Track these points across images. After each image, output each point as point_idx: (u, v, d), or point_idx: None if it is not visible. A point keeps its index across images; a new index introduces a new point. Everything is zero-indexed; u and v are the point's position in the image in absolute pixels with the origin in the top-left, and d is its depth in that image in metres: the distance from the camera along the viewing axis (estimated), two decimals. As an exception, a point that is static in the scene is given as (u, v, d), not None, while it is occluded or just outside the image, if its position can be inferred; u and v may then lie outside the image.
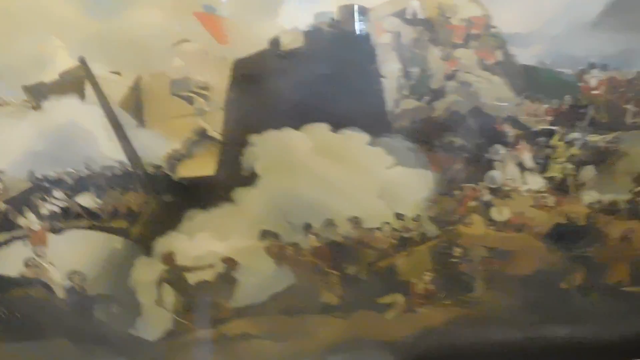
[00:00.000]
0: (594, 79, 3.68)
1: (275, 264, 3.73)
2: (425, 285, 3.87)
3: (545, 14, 3.55)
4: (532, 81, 3.70)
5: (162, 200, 3.67)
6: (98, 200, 3.69)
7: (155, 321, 3.73)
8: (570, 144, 3.78)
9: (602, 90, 3.72)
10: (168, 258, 3.70)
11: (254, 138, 3.62)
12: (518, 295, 3.95)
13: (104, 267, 3.71)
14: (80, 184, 3.67)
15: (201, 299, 3.75)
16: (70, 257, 3.69)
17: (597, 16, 3.64)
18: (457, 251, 3.85)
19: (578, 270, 3.94)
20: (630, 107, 3.72)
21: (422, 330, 3.94)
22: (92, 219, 3.68)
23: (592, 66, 3.69)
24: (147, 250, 3.69)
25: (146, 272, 3.69)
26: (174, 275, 3.72)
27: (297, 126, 3.62)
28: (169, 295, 3.72)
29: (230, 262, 3.74)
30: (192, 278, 3.72)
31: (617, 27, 3.59)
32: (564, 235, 3.90)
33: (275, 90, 3.56)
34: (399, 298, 3.89)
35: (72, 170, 3.66)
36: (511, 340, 3.96)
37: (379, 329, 3.91)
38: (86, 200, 3.67)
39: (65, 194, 3.66)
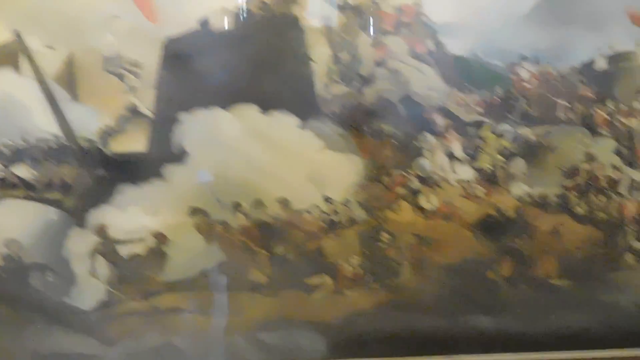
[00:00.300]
0: (525, 72, 3.68)
1: (204, 240, 3.82)
2: (352, 269, 3.94)
3: (477, 5, 3.54)
4: (463, 72, 3.71)
5: (95, 173, 3.76)
6: (34, 172, 3.78)
7: (89, 291, 3.84)
8: (500, 135, 3.79)
9: (534, 84, 3.72)
10: (100, 230, 3.79)
11: (183, 116, 3.69)
12: (445, 283, 4.00)
13: (40, 237, 3.81)
14: (16, 155, 3.76)
15: (133, 271, 3.87)
16: (7, 225, 3.79)
17: (530, 9, 3.63)
18: (384, 236, 3.91)
19: (506, 261, 3.98)
20: (561, 101, 3.72)
21: (351, 313, 4.02)
22: (28, 190, 3.78)
23: (524, 59, 3.69)
24: (81, 222, 3.78)
25: (80, 243, 3.79)
26: (107, 248, 3.81)
27: (226, 106, 3.67)
28: (102, 266, 3.83)
29: (160, 237, 3.82)
30: (124, 251, 3.81)
31: (550, 20, 3.58)
32: (492, 227, 3.93)
33: (205, 70, 3.60)
34: (326, 279, 3.96)
35: (9, 142, 3.76)
36: (437, 328, 4.01)
37: (307, 310, 3.99)
38: (22, 171, 3.77)
39: (2, 164, 3.76)
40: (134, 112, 3.69)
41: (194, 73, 3.62)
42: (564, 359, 4.03)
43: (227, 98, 3.64)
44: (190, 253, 3.84)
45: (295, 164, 3.77)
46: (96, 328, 3.90)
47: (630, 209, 3.91)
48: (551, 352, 4.03)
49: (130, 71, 3.58)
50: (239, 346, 4.00)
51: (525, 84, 3.70)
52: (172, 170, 3.74)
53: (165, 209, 3.76)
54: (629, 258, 3.98)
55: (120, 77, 3.60)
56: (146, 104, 3.70)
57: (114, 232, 3.80)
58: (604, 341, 4.03)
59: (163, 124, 3.69)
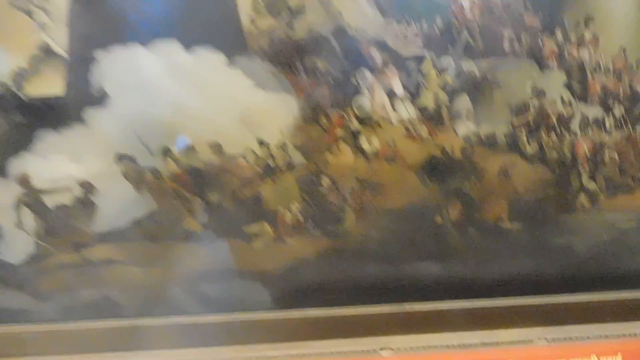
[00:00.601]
0: (466, 0, 3.41)
1: (134, 189, 3.62)
2: (293, 216, 3.76)
3: None
4: (399, 1, 3.44)
5: (12, 119, 3.51)
6: (-52, 120, 3.56)
7: (17, 244, 3.66)
8: (443, 71, 3.54)
9: (476, 14, 3.46)
10: (23, 180, 3.55)
11: (100, 55, 3.43)
12: (391, 229, 3.83)
13: (-40, 190, 3.62)
14: None
15: (61, 222, 3.68)
16: None
17: None
18: (325, 181, 3.70)
19: (454, 205, 3.80)
20: (507, 32, 3.47)
21: (293, 261, 3.86)
22: (-57, 139, 3.57)
23: (465, -14, 3.42)
24: (2, 172, 3.56)
25: (3, 194, 3.58)
26: (31, 198, 3.60)
27: (145, 42, 3.38)
28: (29, 218, 3.63)
29: (87, 186, 3.60)
30: (49, 201, 3.60)
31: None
32: (438, 169, 3.72)
33: (120, 3, 3.34)
34: (266, 227, 3.78)
35: None
36: (383, 275, 3.87)
37: (248, 260, 3.84)
38: None
39: None
40: (47, 51, 3.42)
41: (108, 7, 3.35)
42: (515, 305, 3.91)
43: (146, 34, 3.37)
44: (120, 202, 3.63)
45: (225, 105, 3.52)
46: (28, 282, 3.73)
47: (583, 147, 3.71)
48: (502, 299, 3.89)
49: (38, 7, 3.32)
50: (179, 298, 3.87)
51: (467, 14, 3.43)
52: (93, 114, 3.48)
53: (89, 155, 3.53)
54: (583, 199, 3.81)
55: (29, 13, 3.33)
56: (60, 43, 3.43)
57: (37, 182, 3.56)
58: (556, 287, 3.89)
59: (79, 64, 3.41)
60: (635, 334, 3.88)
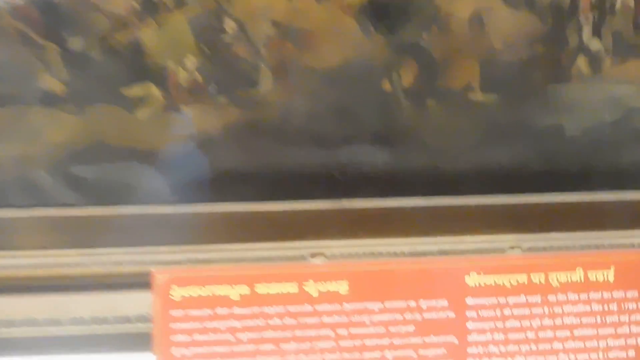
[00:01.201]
0: None
1: (-38, 27, 2.67)
2: (188, 74, 2.79)
3: None
4: None
5: None
6: None
7: None
8: None
9: None
10: None
11: None
12: (322, 98, 2.87)
13: None
14: None
15: None
16: None
17: None
18: (230, 26, 2.70)
19: (407, 65, 2.83)
20: None
21: (192, 139, 2.98)
22: None
23: None
24: None
25: None
26: None
27: None
28: None
29: None
30: None
31: None
32: (386, 12, 2.72)
33: None
34: (152, 90, 2.80)
35: None
36: (314, 162, 2.95)
37: (130, 133, 2.91)
38: None
39: None
40: None
41: None
42: (483, 204, 3.03)
43: None
44: (-54, 46, 2.71)
45: None
46: None
47: (586, -14, 2.76)
48: (467, 197, 2.99)
49: None
50: (44, 183, 2.97)
51: None
52: None
53: None
54: (581, 63, 2.85)
55: None
56: None
57: None
58: (536, 183, 2.99)
59: None
60: (633, 245, 3.10)
